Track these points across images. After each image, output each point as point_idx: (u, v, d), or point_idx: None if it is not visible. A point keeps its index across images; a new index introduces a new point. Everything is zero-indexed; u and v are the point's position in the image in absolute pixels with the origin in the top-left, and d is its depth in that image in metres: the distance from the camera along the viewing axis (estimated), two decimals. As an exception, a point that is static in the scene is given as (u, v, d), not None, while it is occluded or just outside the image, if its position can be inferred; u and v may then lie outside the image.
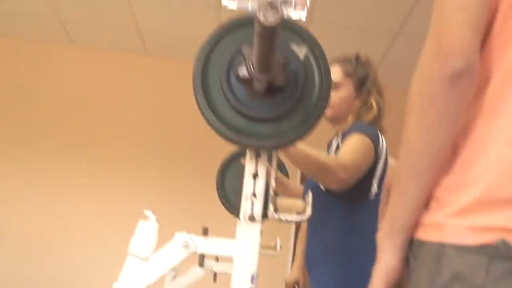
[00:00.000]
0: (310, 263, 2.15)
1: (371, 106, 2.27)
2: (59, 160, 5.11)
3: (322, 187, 2.06)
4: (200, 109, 1.36)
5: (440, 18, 0.88)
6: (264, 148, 1.39)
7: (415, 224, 0.94)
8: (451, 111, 0.86)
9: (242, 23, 1.39)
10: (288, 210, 1.45)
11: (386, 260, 0.96)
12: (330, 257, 2.07)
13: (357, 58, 2.40)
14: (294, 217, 1.44)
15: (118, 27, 4.93)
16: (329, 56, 1.39)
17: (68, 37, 5.22)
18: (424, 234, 0.88)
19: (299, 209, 1.44)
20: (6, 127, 5.16)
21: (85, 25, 4.99)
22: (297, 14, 1.41)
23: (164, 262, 1.46)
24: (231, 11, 1.42)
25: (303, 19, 1.39)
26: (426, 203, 0.91)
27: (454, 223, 0.83)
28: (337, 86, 2.26)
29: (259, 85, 1.29)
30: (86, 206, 5.04)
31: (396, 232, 0.95)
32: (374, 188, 2.10)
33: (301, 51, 1.36)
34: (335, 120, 2.24)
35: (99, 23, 4.91)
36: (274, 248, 3.10)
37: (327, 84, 1.37)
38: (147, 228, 1.49)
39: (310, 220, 2.11)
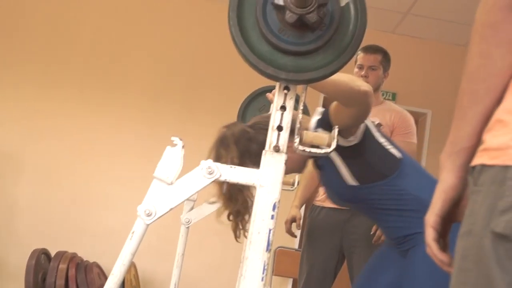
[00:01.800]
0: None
1: None
2: (79, 90, 5.16)
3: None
4: (235, 44, 1.36)
5: None
6: (295, 81, 1.39)
7: (475, 147, 0.97)
8: (510, 38, 0.89)
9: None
10: (314, 143, 1.47)
11: (446, 179, 1.02)
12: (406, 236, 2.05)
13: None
14: (318, 150, 1.45)
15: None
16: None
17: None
18: (487, 158, 0.89)
19: (324, 142, 1.45)
20: (25, 54, 5.18)
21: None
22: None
23: (189, 187, 1.49)
24: None
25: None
26: (488, 128, 0.92)
27: None
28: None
29: (291, 17, 1.29)
30: (105, 135, 5.12)
31: (456, 153, 1.00)
32: (395, 152, 2.07)
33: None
34: None
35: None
36: (292, 184, 3.20)
37: (362, 28, 1.36)
38: (173, 153, 1.52)
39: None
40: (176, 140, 1.52)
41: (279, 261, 4.57)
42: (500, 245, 0.81)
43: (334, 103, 1.92)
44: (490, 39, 0.90)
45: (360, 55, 3.37)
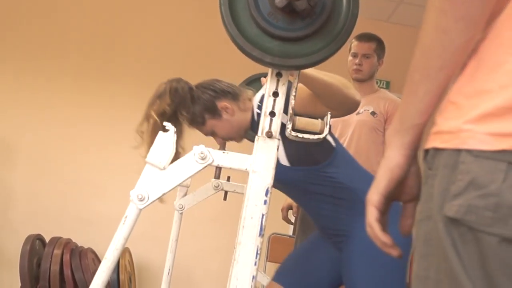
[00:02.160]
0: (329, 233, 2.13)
1: None
2: (73, 80, 5.13)
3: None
4: (225, 25, 1.36)
5: None
6: (280, 66, 1.39)
7: (425, 124, 0.94)
8: (470, 14, 0.84)
9: None
10: (307, 129, 1.48)
11: (392, 156, 0.96)
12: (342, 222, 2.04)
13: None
14: (311, 136, 1.46)
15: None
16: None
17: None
18: (440, 142, 0.86)
19: (316, 128, 1.46)
20: (22, 44, 5.16)
21: None
22: None
23: (181, 172, 1.50)
24: None
25: None
26: (441, 110, 0.89)
27: (474, 128, 0.81)
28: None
29: (280, 2, 1.29)
30: (100, 124, 5.11)
31: (404, 130, 0.95)
32: (331, 140, 2.06)
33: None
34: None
35: None
36: None
37: (354, 13, 1.36)
38: (166, 139, 1.52)
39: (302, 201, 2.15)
40: (168, 125, 1.53)
41: (273, 248, 4.59)
42: (454, 229, 0.80)
43: (308, 93, 1.87)
44: (449, 13, 0.85)
45: (354, 43, 3.37)
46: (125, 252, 4.53)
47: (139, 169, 1.54)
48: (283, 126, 1.92)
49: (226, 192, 2.88)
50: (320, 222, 2.12)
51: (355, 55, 3.35)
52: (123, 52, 5.12)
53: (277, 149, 1.45)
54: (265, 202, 1.45)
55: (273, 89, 1.46)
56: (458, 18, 0.85)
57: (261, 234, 1.45)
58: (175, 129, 1.54)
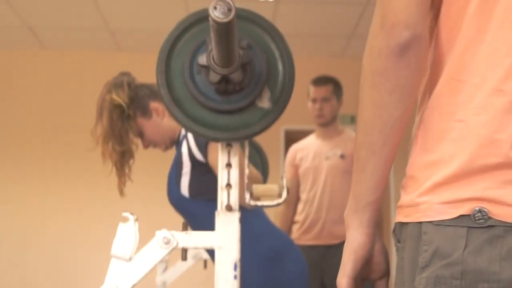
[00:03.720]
0: None
1: None
2: (40, 162, 5.14)
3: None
4: (165, 105, 1.36)
5: None
6: (236, 139, 1.39)
7: (379, 200, 0.94)
8: (402, 85, 0.86)
9: (204, 17, 1.38)
10: (264, 196, 1.47)
11: (353, 237, 0.95)
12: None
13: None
14: (271, 203, 1.45)
15: (88, 28, 4.91)
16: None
17: (39, 43, 5.18)
18: (402, 216, 0.87)
19: (274, 194, 1.45)
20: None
21: (54, 29, 4.96)
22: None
23: (147, 260, 1.47)
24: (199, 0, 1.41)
25: None
26: (402, 185, 0.90)
27: (430, 199, 0.82)
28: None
29: (214, 77, 1.29)
30: (75, 207, 5.10)
31: (360, 209, 0.94)
32: None
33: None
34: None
35: (69, 26, 4.88)
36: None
37: (291, 74, 1.37)
38: (126, 229, 1.49)
39: None
40: (127, 215, 1.50)
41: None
42: None
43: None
44: (382, 87, 0.86)
45: (311, 89, 3.38)
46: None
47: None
48: (191, 153, 1.94)
49: (205, 261, 2.83)
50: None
51: (314, 101, 3.36)
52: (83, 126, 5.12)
53: (239, 221, 1.42)
54: (235, 277, 1.42)
55: (226, 161, 1.45)
56: (390, 91, 0.86)
57: (237, 309, 1.42)
58: (135, 217, 1.51)
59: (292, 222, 3.41)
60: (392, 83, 0.86)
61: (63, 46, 5.27)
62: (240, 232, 1.41)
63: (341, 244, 3.12)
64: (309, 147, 3.43)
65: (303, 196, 3.37)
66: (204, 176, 1.92)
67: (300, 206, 3.38)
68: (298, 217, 3.38)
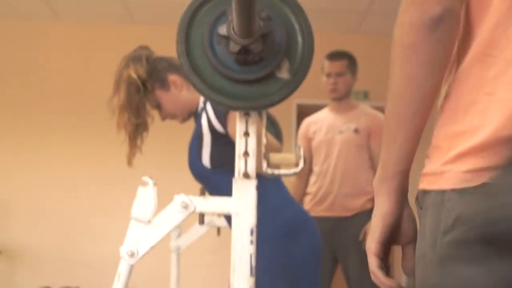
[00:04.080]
0: None
1: None
2: (56, 132, 5.21)
3: None
4: (185, 73, 1.39)
5: None
6: (254, 108, 1.42)
7: (408, 169, 0.97)
8: (433, 58, 0.88)
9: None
10: (282, 165, 1.50)
11: (382, 204, 0.99)
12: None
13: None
14: (287, 171, 1.49)
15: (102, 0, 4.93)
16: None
17: (54, 15, 5.21)
18: (426, 184, 0.91)
19: (291, 162, 1.49)
20: (4, 102, 5.24)
21: (69, 1, 4.98)
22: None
23: (166, 223, 1.52)
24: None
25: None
26: (428, 154, 0.93)
27: (454, 168, 0.85)
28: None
29: (234, 47, 1.32)
30: (89, 173, 5.17)
31: (389, 178, 0.98)
32: None
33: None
34: None
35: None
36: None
37: (310, 46, 1.39)
38: (146, 193, 1.54)
39: None
40: (146, 179, 1.55)
41: None
42: (447, 266, 0.84)
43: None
44: (413, 59, 0.88)
45: (326, 64, 3.40)
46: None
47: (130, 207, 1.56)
48: (211, 125, 1.98)
49: (218, 228, 2.89)
50: None
51: (329, 75, 3.38)
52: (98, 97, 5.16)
53: (256, 189, 1.46)
54: (251, 242, 1.46)
55: (244, 129, 1.49)
56: (422, 64, 0.88)
57: (252, 274, 1.46)
58: (154, 181, 1.56)
59: (304, 194, 3.46)
60: (423, 56, 0.88)
61: (78, 18, 5.29)
62: (258, 201, 1.45)
63: (353, 216, 3.18)
64: (323, 121, 3.46)
65: (316, 168, 3.41)
66: (225, 147, 1.95)
67: (312, 178, 3.43)
68: (310, 189, 3.43)
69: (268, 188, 1.97)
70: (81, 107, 5.23)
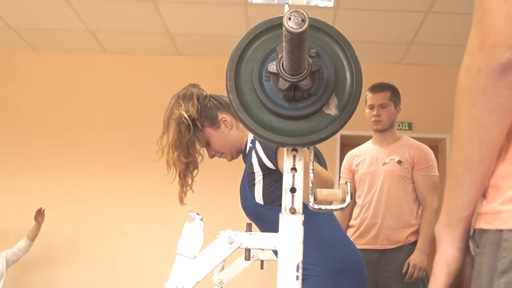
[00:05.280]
0: None
1: None
2: (99, 164, 5.30)
3: None
4: (234, 109, 1.40)
5: (483, 10, 0.86)
6: (302, 145, 1.42)
7: (472, 215, 0.96)
8: (502, 104, 0.87)
9: (274, 25, 1.40)
10: (328, 200, 1.50)
11: (446, 251, 0.98)
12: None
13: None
14: (334, 207, 1.48)
15: (148, 32, 5.03)
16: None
17: (101, 47, 5.34)
18: (483, 223, 0.90)
19: (338, 198, 1.48)
20: (46, 133, 5.35)
21: (116, 33, 5.11)
22: (324, 1, 1.44)
23: (212, 259, 1.52)
24: (257, 5, 1.45)
25: (331, 5, 1.42)
26: (485, 193, 0.93)
27: (511, 208, 0.85)
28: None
29: (284, 84, 1.33)
30: (133, 206, 5.22)
31: (454, 224, 0.97)
32: None
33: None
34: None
35: (129, 30, 5.01)
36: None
37: (359, 82, 1.39)
38: (193, 228, 1.55)
39: None
40: (193, 215, 1.56)
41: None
42: None
43: None
44: (481, 105, 0.88)
45: (369, 96, 3.40)
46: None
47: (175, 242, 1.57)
48: (261, 162, 1.99)
49: (262, 261, 2.87)
50: None
51: (371, 107, 3.37)
52: (145, 127, 5.25)
53: (302, 224, 1.46)
54: (297, 277, 1.45)
55: (291, 165, 1.49)
56: (490, 110, 0.87)
57: (298, 310, 1.45)
58: (201, 216, 1.57)
59: (347, 227, 3.43)
60: (492, 102, 0.87)
61: (124, 50, 5.41)
62: (308, 235, 1.44)
63: (396, 249, 3.14)
64: (366, 153, 3.45)
65: (359, 201, 3.39)
66: (277, 183, 1.96)
67: (356, 211, 3.41)
68: (353, 222, 3.40)
69: (320, 222, 1.96)
70: (125, 138, 5.30)
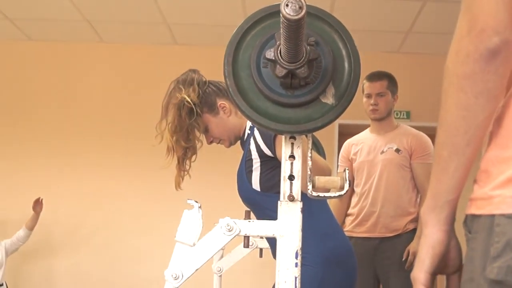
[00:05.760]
0: None
1: None
2: (98, 152, 5.29)
3: None
4: (230, 95, 1.40)
5: None
6: (299, 132, 1.42)
7: (458, 199, 0.97)
8: (489, 89, 0.87)
9: (272, 12, 1.40)
10: (326, 187, 1.50)
11: (431, 234, 0.98)
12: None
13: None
14: (332, 194, 1.48)
15: (145, 22, 5.01)
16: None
17: (98, 37, 5.32)
18: (475, 208, 0.91)
19: (336, 186, 1.48)
20: (44, 123, 5.35)
21: (113, 23, 5.09)
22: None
23: (210, 246, 1.52)
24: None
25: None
26: (476, 179, 0.93)
27: (503, 193, 0.85)
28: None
29: (281, 71, 1.33)
30: (132, 194, 5.24)
31: (439, 207, 0.97)
32: None
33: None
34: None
35: (126, 20, 4.99)
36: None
37: (356, 72, 1.39)
38: (191, 216, 1.56)
39: None
40: (192, 202, 1.56)
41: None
42: None
43: None
44: (468, 90, 0.88)
45: (366, 84, 3.40)
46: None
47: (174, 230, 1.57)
48: (259, 149, 1.99)
49: (261, 250, 2.89)
50: None
51: (369, 96, 3.38)
52: (143, 118, 5.24)
53: (301, 211, 1.46)
54: (296, 264, 1.46)
55: (289, 153, 1.49)
56: (477, 94, 0.88)
57: (297, 297, 1.46)
58: (199, 204, 1.58)
59: (346, 215, 3.44)
60: (479, 86, 0.87)
61: (121, 40, 5.39)
62: (304, 223, 1.45)
63: (395, 237, 3.16)
64: (364, 142, 3.45)
65: (358, 189, 3.40)
66: (274, 170, 1.96)
67: (354, 200, 3.42)
68: (352, 210, 3.41)
69: (314, 211, 1.97)
70: (123, 127, 5.29)
